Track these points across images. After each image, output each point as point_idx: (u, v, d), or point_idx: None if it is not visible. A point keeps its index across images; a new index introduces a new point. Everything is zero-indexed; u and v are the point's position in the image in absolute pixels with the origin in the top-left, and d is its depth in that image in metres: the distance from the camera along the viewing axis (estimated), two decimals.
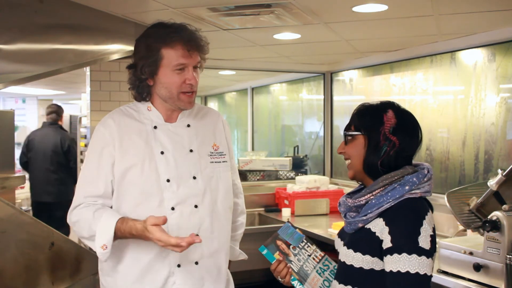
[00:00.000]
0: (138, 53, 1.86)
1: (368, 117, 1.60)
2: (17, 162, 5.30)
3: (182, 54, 1.81)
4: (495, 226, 2.19)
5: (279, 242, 1.74)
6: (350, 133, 1.63)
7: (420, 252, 1.44)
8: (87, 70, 3.62)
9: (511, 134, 3.10)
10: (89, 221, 1.80)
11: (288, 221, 1.82)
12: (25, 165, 5.53)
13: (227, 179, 2.00)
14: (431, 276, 1.47)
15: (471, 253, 2.32)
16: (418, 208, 1.51)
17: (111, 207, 1.86)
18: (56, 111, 5.55)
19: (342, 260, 1.61)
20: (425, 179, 1.55)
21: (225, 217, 1.99)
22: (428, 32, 3.24)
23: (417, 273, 1.43)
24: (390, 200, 1.51)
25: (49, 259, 2.58)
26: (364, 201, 1.57)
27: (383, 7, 2.64)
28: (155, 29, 1.87)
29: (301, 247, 1.75)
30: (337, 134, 4.80)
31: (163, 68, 1.82)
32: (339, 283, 1.61)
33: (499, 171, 2.30)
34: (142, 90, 1.89)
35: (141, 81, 1.86)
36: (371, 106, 1.63)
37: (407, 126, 1.59)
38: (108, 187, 1.84)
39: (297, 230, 1.77)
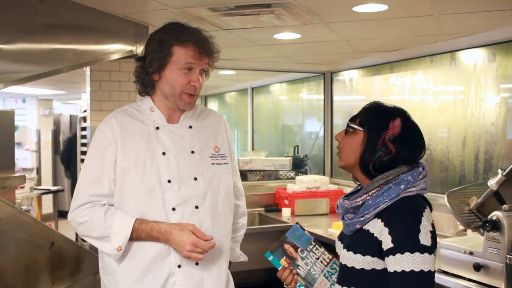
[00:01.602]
0: (150, 45, 1.88)
1: (376, 117, 1.59)
2: (17, 162, 5.44)
3: (193, 55, 1.83)
4: (495, 226, 2.19)
5: (286, 246, 1.72)
6: (353, 125, 1.62)
7: (422, 249, 1.44)
8: (87, 70, 3.62)
9: (511, 134, 3.09)
10: (101, 222, 1.80)
11: (297, 223, 1.80)
12: (67, 163, 6.52)
13: (228, 181, 2.01)
14: (434, 271, 1.47)
15: (471, 253, 2.32)
16: (415, 206, 1.51)
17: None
18: None
19: (343, 262, 1.61)
20: (420, 177, 1.54)
21: (226, 218, 1.99)
22: (428, 32, 3.24)
23: (421, 271, 1.43)
24: (387, 200, 1.51)
25: (49, 259, 2.58)
26: (360, 202, 1.57)
27: (383, 7, 2.64)
28: (172, 26, 1.89)
29: (309, 249, 1.73)
30: None
31: (171, 65, 1.84)
32: (342, 286, 1.60)
33: (499, 171, 2.30)
34: (147, 84, 1.90)
35: (148, 73, 1.87)
36: (383, 107, 1.62)
37: (409, 139, 1.57)
38: (111, 187, 1.85)
39: (305, 232, 1.75)
